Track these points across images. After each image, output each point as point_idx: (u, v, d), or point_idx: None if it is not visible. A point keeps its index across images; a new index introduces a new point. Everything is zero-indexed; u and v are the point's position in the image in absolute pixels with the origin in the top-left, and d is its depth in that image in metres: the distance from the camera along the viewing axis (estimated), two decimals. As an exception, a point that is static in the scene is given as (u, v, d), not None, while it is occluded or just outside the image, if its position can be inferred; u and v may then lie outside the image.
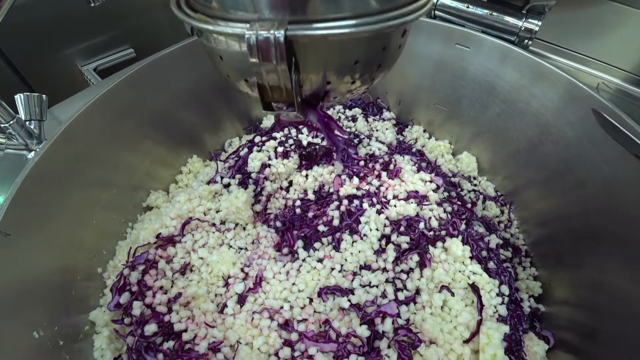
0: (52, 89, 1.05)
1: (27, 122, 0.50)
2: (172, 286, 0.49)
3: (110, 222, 0.56)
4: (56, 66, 1.05)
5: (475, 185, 0.70)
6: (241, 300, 0.48)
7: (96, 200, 0.54)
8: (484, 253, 0.53)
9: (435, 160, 0.72)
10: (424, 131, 0.78)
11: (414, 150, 0.71)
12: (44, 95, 0.52)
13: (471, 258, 0.50)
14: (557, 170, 0.58)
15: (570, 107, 0.54)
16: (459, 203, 0.57)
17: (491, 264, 0.52)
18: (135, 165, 0.62)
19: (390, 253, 0.48)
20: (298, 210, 0.56)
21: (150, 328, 0.44)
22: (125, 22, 1.12)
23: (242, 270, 0.50)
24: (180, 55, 0.64)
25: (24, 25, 0.91)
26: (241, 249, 0.53)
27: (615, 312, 0.47)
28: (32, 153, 0.51)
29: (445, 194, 0.59)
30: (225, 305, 0.47)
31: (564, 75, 0.54)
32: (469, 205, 0.62)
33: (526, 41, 0.64)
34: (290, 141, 0.63)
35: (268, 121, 0.77)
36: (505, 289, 0.49)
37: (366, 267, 0.48)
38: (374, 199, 0.55)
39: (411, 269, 0.48)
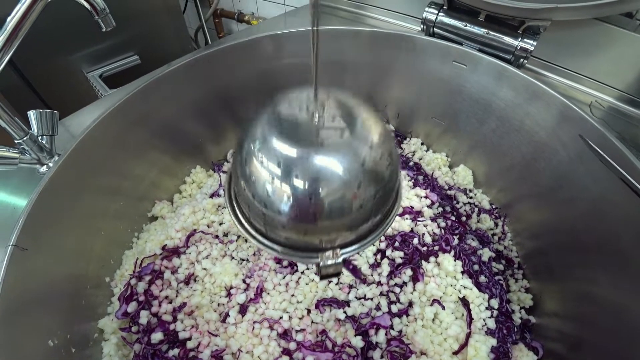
0: (59, 95, 1.08)
1: (40, 138, 0.52)
2: (177, 296, 0.51)
3: (117, 232, 0.59)
4: (62, 72, 1.07)
5: (471, 197, 0.72)
6: (243, 310, 0.50)
7: (105, 211, 0.56)
8: (476, 267, 0.55)
9: (432, 173, 0.74)
10: (422, 144, 0.80)
11: (411, 163, 0.73)
12: (55, 111, 0.54)
13: (462, 273, 0.52)
14: (549, 186, 0.60)
15: (562, 127, 0.56)
16: (453, 218, 0.60)
17: (482, 278, 0.54)
18: (142, 176, 0.64)
19: (385, 267, 0.50)
20: (298, 223, 0.59)
21: (157, 336, 0.47)
22: (130, 28, 1.14)
23: (243, 281, 0.52)
24: (186, 70, 0.66)
25: (29, 31, 0.93)
26: (243, 260, 0.55)
27: (600, 323, 0.48)
28: (45, 167, 0.54)
29: (440, 209, 0.61)
30: (227, 315, 0.50)
31: (557, 96, 0.56)
32: (464, 219, 0.64)
33: (521, 60, 0.66)
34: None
35: (270, 132, 0.79)
36: (494, 303, 0.51)
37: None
38: (371, 213, 0.57)
39: (404, 283, 0.50)
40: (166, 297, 0.50)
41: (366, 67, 0.76)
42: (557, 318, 0.56)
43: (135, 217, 0.63)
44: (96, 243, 0.54)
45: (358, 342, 0.45)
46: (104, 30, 0.48)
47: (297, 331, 0.47)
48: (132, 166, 0.62)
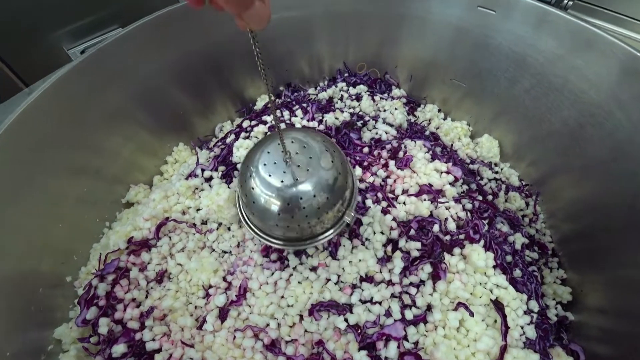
0: (39, 74, 0.99)
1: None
2: (146, 297, 0.43)
3: (82, 222, 0.51)
4: (42, 50, 0.99)
5: (497, 172, 0.62)
6: (222, 314, 0.42)
7: (64, 196, 0.48)
8: (509, 258, 0.45)
9: (452, 145, 0.63)
10: (439, 111, 0.70)
11: (427, 133, 0.62)
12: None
13: (494, 267, 0.42)
14: (598, 157, 0.50)
15: (622, 83, 0.45)
16: (480, 198, 0.49)
17: (517, 272, 0.44)
18: (114, 153, 0.56)
19: (397, 262, 0.41)
20: (291, 207, 0.49)
21: (118, 349, 0.39)
22: (114, 0, 1.04)
23: (224, 279, 0.44)
24: (168, 22, 0.56)
25: (6, 9, 0.84)
26: (225, 252, 0.47)
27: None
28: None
29: (465, 187, 0.51)
30: (204, 321, 0.41)
31: (618, 44, 0.44)
32: (490, 198, 0.54)
33: (566, 1, 0.53)
34: (282, 125, 0.54)
35: (262, 102, 0.69)
36: (534, 305, 0.42)
37: (368, 278, 0.42)
38: (379, 194, 0.47)
39: (422, 282, 0.41)
40: (133, 300, 0.42)
41: (372, 19, 0.65)
42: (602, 315, 0.48)
43: (106, 204, 0.55)
44: (52, 236, 0.46)
45: (362, 357, 0.36)
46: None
47: (287, 342, 0.39)
48: (102, 139, 0.53)
